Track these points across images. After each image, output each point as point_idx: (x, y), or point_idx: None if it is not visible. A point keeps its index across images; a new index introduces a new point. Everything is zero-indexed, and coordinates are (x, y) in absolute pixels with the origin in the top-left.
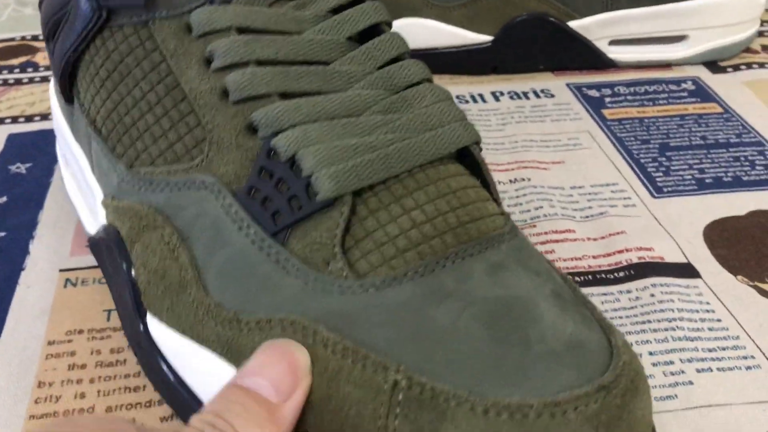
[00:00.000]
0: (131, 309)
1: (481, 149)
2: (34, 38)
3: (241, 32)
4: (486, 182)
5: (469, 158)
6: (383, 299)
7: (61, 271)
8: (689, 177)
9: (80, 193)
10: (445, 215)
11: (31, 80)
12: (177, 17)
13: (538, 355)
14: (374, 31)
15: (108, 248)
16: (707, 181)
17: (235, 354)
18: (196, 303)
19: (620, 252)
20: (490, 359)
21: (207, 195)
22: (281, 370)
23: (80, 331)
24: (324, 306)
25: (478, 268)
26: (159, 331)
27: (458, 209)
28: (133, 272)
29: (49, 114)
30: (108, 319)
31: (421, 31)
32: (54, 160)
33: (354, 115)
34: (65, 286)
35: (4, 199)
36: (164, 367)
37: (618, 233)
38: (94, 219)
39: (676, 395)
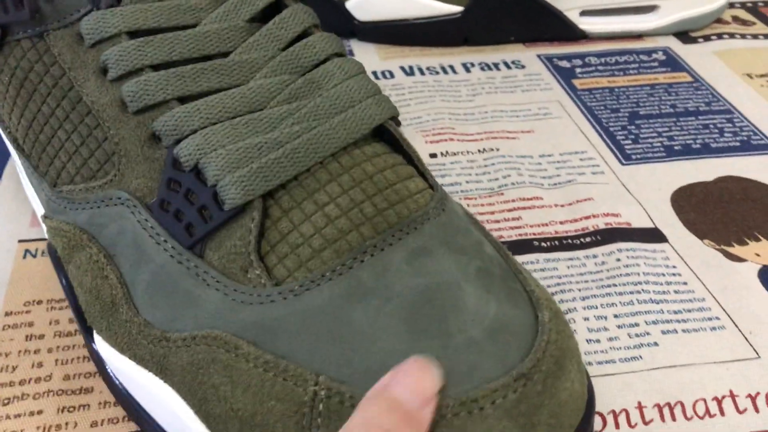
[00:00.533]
0: (81, 325)
1: (399, 123)
2: None
3: (132, 36)
4: (410, 158)
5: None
6: (302, 305)
7: (20, 241)
8: (658, 144)
9: (32, 198)
10: (361, 205)
11: None
12: (68, 27)
13: (457, 347)
14: (278, 7)
15: (55, 266)
16: (676, 148)
17: (168, 372)
18: (128, 322)
19: (587, 218)
20: (408, 358)
21: (123, 211)
22: (418, 378)
23: (39, 302)
24: (244, 318)
25: (397, 258)
26: (104, 348)
27: (375, 196)
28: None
29: None
30: None
31: (391, 3)
32: None
33: (257, 110)
34: (24, 257)
35: None
36: (117, 382)
37: (585, 200)
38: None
39: (640, 356)
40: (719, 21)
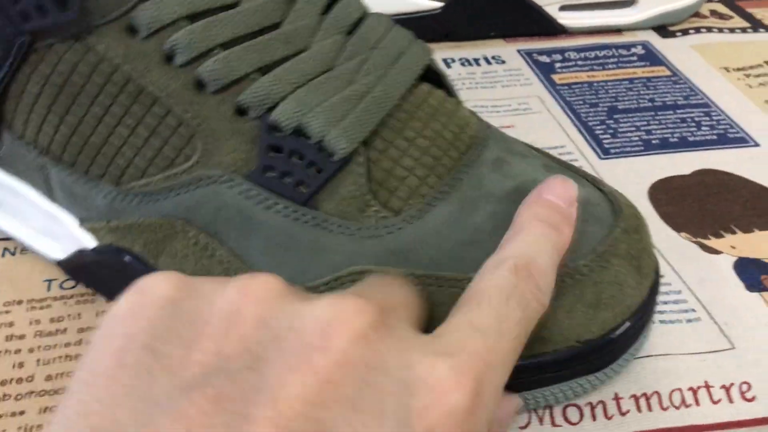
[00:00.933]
0: None
1: (434, 60)
2: None
3: (192, 20)
4: (449, 89)
5: (429, 73)
6: (429, 224)
7: None
8: (636, 138)
9: (21, 223)
10: (442, 133)
11: None
12: (116, 21)
13: None
14: None
15: (116, 268)
16: (654, 142)
17: None
18: None
19: None
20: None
21: (220, 188)
22: (561, 186)
23: (19, 302)
24: (378, 250)
25: (485, 170)
26: None
27: (448, 123)
28: None
29: None
30: (48, 289)
31: None
32: None
33: (328, 69)
34: (3, 255)
35: None
36: None
37: None
38: (62, 243)
39: None
40: (697, 15)
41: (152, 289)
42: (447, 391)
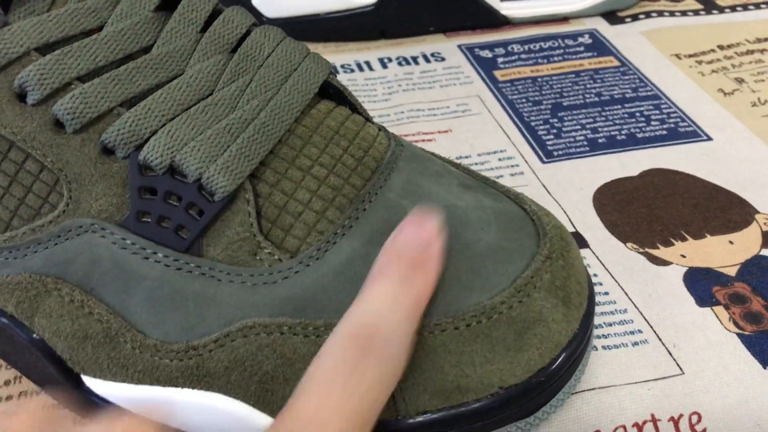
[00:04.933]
0: (56, 378)
1: (335, 74)
2: None
3: (43, 51)
4: (353, 106)
5: (330, 88)
6: (329, 265)
7: None
8: (581, 138)
9: None
10: (341, 159)
11: None
12: None
13: (481, 253)
14: None
15: (6, 328)
16: (600, 141)
17: (208, 379)
18: (137, 350)
19: None
20: (448, 274)
21: (92, 238)
22: (416, 226)
23: None
24: (273, 297)
25: (392, 197)
26: (107, 388)
27: (349, 147)
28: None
29: None
30: None
31: None
32: None
33: (207, 95)
34: None
35: None
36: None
37: None
38: None
39: None
40: None
41: None
42: None
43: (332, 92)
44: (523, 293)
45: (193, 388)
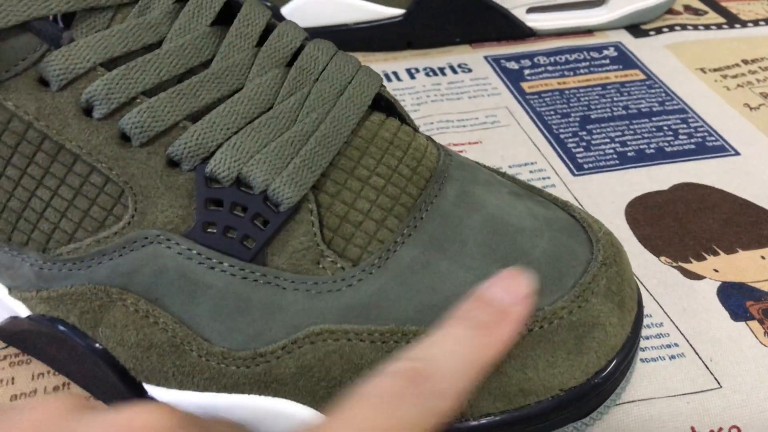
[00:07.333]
0: (118, 389)
1: (384, 86)
2: None
3: (109, 67)
4: (402, 117)
5: (380, 100)
6: (390, 273)
7: None
8: (611, 151)
9: None
10: (398, 169)
11: None
12: (24, 74)
13: (538, 260)
14: (229, 7)
15: (55, 339)
16: (629, 154)
17: (275, 385)
18: (204, 358)
19: None
20: None
21: (157, 249)
22: (509, 280)
23: None
24: (338, 305)
25: (447, 205)
26: (171, 396)
27: (404, 157)
28: (109, 352)
29: None
30: None
31: (329, 7)
32: None
33: (267, 109)
34: None
35: None
36: None
37: None
38: None
39: None
40: (671, 12)
41: None
42: None
43: (383, 104)
44: (581, 298)
45: (260, 395)
